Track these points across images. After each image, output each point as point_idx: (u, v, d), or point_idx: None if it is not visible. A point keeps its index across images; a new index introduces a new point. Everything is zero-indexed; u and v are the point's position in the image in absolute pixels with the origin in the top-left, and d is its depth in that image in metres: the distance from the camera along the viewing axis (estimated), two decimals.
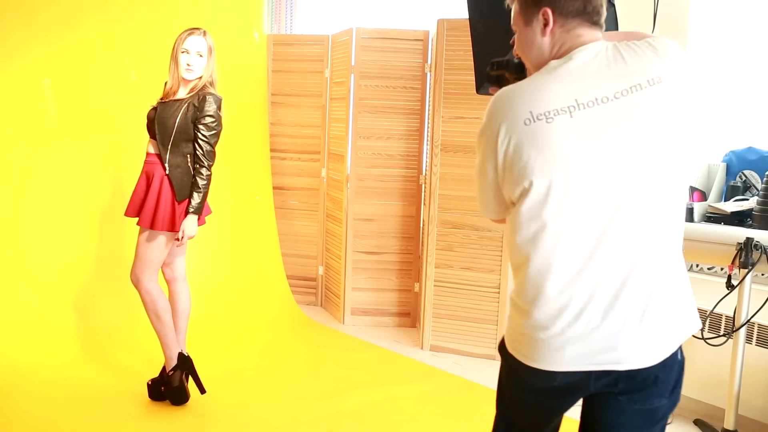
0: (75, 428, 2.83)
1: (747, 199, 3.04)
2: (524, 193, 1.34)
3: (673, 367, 1.39)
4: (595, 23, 1.42)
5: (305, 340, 4.12)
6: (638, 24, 2.95)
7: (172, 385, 3.05)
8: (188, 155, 2.93)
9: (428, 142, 4.12)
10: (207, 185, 2.93)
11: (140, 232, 2.97)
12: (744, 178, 3.16)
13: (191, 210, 2.90)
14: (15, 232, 3.70)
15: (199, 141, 2.89)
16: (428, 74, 4.28)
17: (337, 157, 4.56)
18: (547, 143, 1.32)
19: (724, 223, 2.93)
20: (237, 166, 4.35)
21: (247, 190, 4.52)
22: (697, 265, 3.13)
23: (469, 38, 2.75)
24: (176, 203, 2.92)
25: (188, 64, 2.91)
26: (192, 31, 2.94)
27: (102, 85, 3.90)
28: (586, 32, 1.41)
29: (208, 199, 3.12)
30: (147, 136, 3.05)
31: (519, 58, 1.57)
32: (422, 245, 4.22)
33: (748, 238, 2.62)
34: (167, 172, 2.91)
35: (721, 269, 3.03)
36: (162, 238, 2.95)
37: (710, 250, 2.77)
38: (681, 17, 3.22)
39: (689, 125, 1.36)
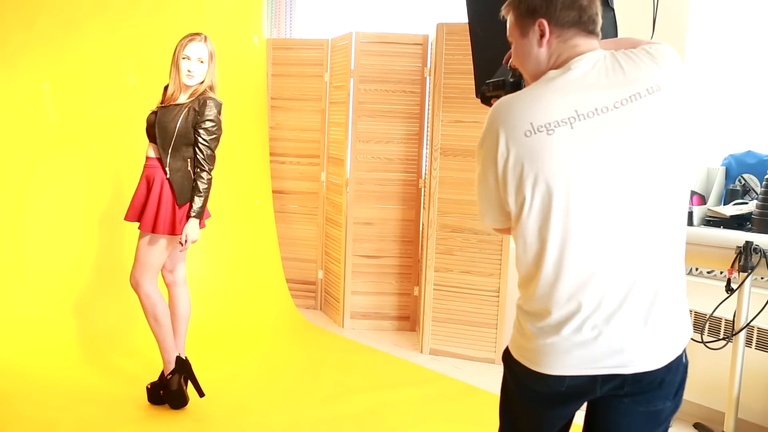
0: None
1: (746, 203, 3.04)
2: (527, 204, 1.35)
3: (678, 370, 1.40)
4: (591, 32, 1.42)
5: (305, 343, 4.12)
6: (637, 29, 2.95)
7: (170, 389, 3.05)
8: (189, 159, 2.94)
9: (428, 146, 4.13)
10: (208, 189, 2.94)
11: (140, 236, 2.97)
12: (743, 182, 3.16)
13: (193, 214, 2.90)
14: (15, 236, 3.70)
15: (200, 145, 2.90)
16: (428, 78, 4.29)
17: (337, 160, 4.57)
18: (548, 155, 1.32)
19: (724, 227, 2.93)
20: (236, 170, 4.35)
21: (246, 193, 4.52)
22: (697, 269, 3.13)
23: (469, 42, 2.75)
24: (177, 207, 2.92)
25: (189, 71, 2.92)
26: (193, 37, 2.95)
27: (102, 89, 3.90)
28: (582, 42, 1.41)
29: (208, 203, 3.12)
30: (146, 140, 3.05)
31: (514, 78, 1.58)
32: (422, 249, 4.22)
33: (747, 242, 2.62)
34: (168, 176, 2.91)
35: (721, 273, 3.03)
36: (162, 242, 2.95)
37: (709, 253, 2.77)
38: (680, 22, 3.23)
39: (689, 132, 1.37)
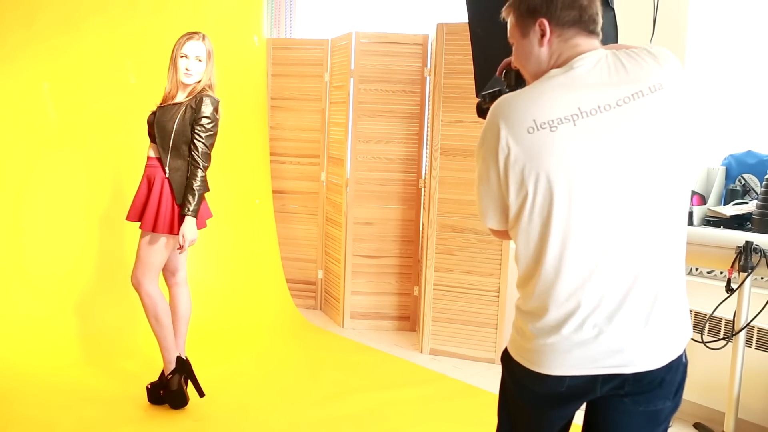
0: None
1: (746, 203, 3.04)
2: (529, 201, 1.35)
3: (678, 370, 1.41)
4: (592, 32, 1.43)
5: (305, 343, 4.12)
6: (637, 29, 2.96)
7: (170, 389, 3.05)
8: (188, 158, 2.94)
9: (428, 146, 4.13)
10: (202, 187, 2.91)
11: (142, 236, 2.97)
12: (743, 182, 3.16)
13: (187, 212, 2.88)
14: (15, 236, 3.70)
15: (195, 142, 2.88)
16: (428, 78, 4.29)
17: (337, 160, 4.57)
18: (551, 152, 1.32)
19: (724, 227, 2.93)
20: (237, 170, 4.35)
21: (246, 193, 4.52)
22: (697, 269, 3.13)
23: (469, 42, 2.75)
24: (176, 206, 2.92)
25: (187, 69, 2.92)
26: (191, 35, 2.95)
27: (102, 89, 3.90)
28: (583, 41, 1.41)
29: (209, 203, 3.13)
30: (147, 140, 3.06)
31: (510, 89, 1.58)
32: (422, 249, 4.22)
33: (747, 242, 2.62)
34: (167, 176, 2.91)
35: (721, 273, 3.03)
36: (163, 241, 2.95)
37: (709, 253, 2.77)
38: (680, 22, 3.23)
39: (690, 130, 1.37)
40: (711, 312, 2.85)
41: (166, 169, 2.91)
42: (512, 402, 1.54)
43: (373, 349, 4.07)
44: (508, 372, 1.51)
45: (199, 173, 2.89)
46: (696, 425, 3.05)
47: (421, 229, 4.34)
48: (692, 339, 1.54)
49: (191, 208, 2.89)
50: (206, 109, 2.88)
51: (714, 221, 2.99)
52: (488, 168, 1.40)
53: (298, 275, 4.85)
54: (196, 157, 2.89)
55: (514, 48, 1.50)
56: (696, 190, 3.25)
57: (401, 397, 3.35)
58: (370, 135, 4.38)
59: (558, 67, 1.40)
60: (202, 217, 3.04)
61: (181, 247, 2.90)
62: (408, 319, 4.49)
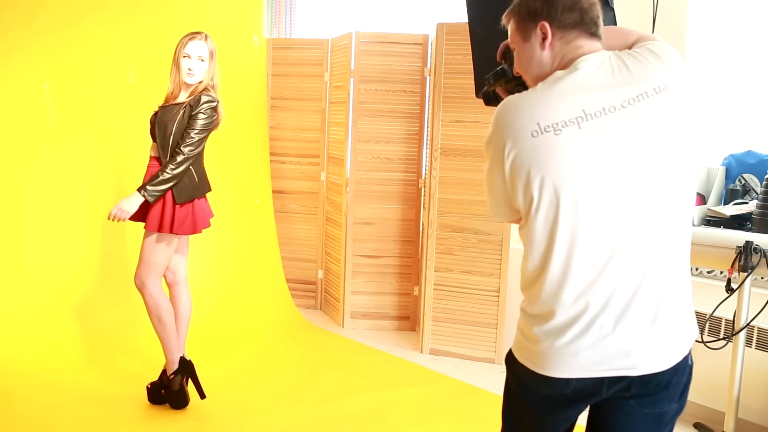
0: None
1: (746, 203, 3.04)
2: (534, 205, 1.35)
3: (684, 371, 1.40)
4: (593, 34, 1.43)
5: (305, 343, 4.12)
6: (637, 28, 2.95)
7: (172, 389, 3.05)
8: None
9: (428, 146, 4.13)
10: (170, 180, 2.83)
11: (145, 236, 2.97)
12: (743, 182, 3.16)
13: (139, 189, 2.81)
14: (15, 236, 3.70)
15: (184, 135, 2.87)
16: (428, 78, 4.29)
17: (337, 160, 4.57)
18: (555, 155, 1.32)
19: (724, 227, 2.93)
20: (237, 170, 4.36)
21: (246, 193, 4.52)
22: (697, 269, 3.13)
23: (469, 42, 2.75)
24: (177, 206, 2.91)
25: (190, 69, 2.92)
26: (194, 35, 2.95)
27: (101, 88, 3.90)
28: (585, 43, 1.41)
29: (210, 202, 3.12)
30: (147, 139, 3.05)
31: (510, 65, 1.57)
32: (422, 249, 4.22)
33: (747, 242, 2.62)
34: None
35: (721, 273, 3.03)
36: (168, 241, 2.95)
37: (710, 253, 2.77)
38: (680, 21, 3.23)
39: (695, 131, 1.37)
40: (711, 312, 2.85)
41: None
42: (516, 404, 1.53)
43: (373, 349, 4.07)
44: (513, 374, 1.51)
45: (171, 168, 2.83)
46: (696, 425, 3.05)
47: (421, 228, 4.34)
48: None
49: (149, 190, 2.81)
50: (201, 107, 2.87)
51: (714, 221, 2.99)
52: (494, 169, 1.41)
53: (298, 275, 4.85)
54: (178, 149, 2.84)
55: (515, 53, 1.49)
56: (696, 190, 3.25)
57: (401, 397, 3.35)
58: (370, 135, 4.38)
59: (561, 69, 1.40)
60: (203, 217, 3.03)
61: (115, 217, 2.82)
62: (408, 319, 4.49)
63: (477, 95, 2.72)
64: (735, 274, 2.66)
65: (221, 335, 3.91)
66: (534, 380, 1.42)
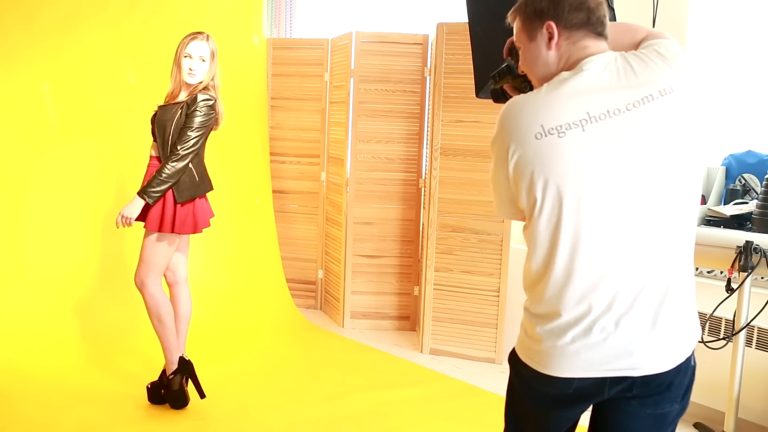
0: None
1: (746, 203, 3.04)
2: (537, 206, 1.35)
3: (686, 373, 1.40)
4: (600, 34, 1.42)
5: (305, 343, 4.11)
6: None
7: (172, 389, 3.05)
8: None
9: (428, 146, 4.13)
10: (170, 178, 2.84)
11: (145, 236, 2.97)
12: (743, 182, 3.16)
13: (140, 192, 2.84)
14: (15, 236, 3.70)
15: (181, 135, 2.87)
16: (428, 78, 4.29)
17: (337, 160, 4.57)
18: (559, 158, 1.31)
19: (724, 227, 2.93)
20: (237, 170, 4.35)
21: (246, 193, 4.52)
22: (697, 269, 3.13)
23: (469, 42, 2.75)
24: (178, 205, 2.92)
25: (191, 69, 2.92)
26: (195, 35, 2.95)
27: (102, 89, 3.90)
28: (591, 43, 1.40)
29: (210, 202, 3.12)
30: (147, 139, 3.06)
31: (516, 62, 1.57)
32: (422, 249, 4.22)
33: (747, 242, 2.62)
34: None
35: (721, 272, 3.03)
36: (168, 241, 2.96)
37: (710, 253, 2.77)
38: (680, 21, 3.23)
39: (700, 133, 1.36)
40: (711, 312, 2.85)
41: None
42: (519, 403, 1.53)
43: (373, 349, 4.07)
44: (516, 373, 1.51)
45: (170, 166, 2.84)
46: (696, 425, 3.05)
47: (421, 228, 4.34)
48: None
49: (148, 191, 2.83)
50: (199, 104, 2.87)
51: (714, 221, 2.99)
52: (498, 169, 1.41)
53: (298, 275, 4.85)
54: (175, 148, 2.85)
55: (521, 53, 1.48)
56: (700, 192, 3.25)
57: (401, 397, 3.35)
58: (370, 135, 4.38)
59: (567, 69, 1.39)
60: (204, 216, 3.04)
61: (117, 225, 2.85)
62: (408, 319, 4.49)
63: (477, 95, 2.72)
64: (735, 274, 2.66)
65: (221, 335, 3.91)
66: (536, 379, 1.42)
